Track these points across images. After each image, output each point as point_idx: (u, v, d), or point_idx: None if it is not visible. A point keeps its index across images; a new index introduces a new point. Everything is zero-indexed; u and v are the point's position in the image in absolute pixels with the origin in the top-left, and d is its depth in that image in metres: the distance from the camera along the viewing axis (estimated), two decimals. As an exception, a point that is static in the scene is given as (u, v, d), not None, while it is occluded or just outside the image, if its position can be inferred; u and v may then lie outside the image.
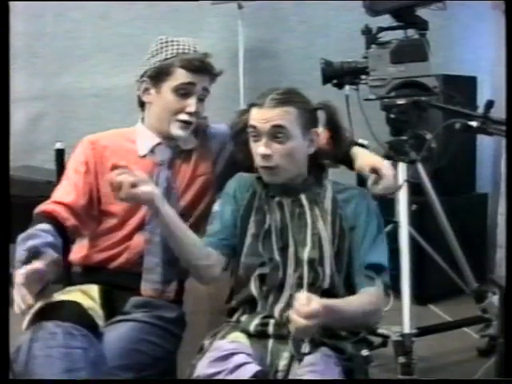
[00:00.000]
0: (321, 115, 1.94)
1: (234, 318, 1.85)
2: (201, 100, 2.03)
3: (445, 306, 3.57)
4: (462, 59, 4.31)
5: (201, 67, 2.00)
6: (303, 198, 1.87)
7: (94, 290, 1.87)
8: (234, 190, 1.94)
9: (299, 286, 1.78)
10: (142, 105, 2.10)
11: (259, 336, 1.75)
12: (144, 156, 2.05)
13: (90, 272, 1.96)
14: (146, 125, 2.09)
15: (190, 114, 2.00)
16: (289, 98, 1.83)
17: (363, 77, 2.77)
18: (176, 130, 2.01)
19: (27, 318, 1.67)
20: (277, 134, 1.80)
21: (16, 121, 4.36)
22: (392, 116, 2.78)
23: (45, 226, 1.81)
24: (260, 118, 1.81)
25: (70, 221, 1.90)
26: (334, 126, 1.93)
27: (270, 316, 1.77)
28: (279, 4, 4.33)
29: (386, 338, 2.56)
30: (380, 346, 2.54)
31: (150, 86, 2.04)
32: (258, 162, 1.84)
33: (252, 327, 1.76)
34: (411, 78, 2.73)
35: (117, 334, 1.80)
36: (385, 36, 2.81)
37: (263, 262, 1.82)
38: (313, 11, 4.36)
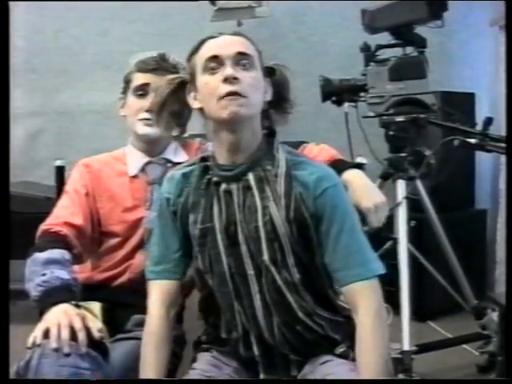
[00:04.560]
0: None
1: (210, 325, 1.73)
2: None
3: (444, 322, 3.57)
4: (460, 76, 4.32)
5: (154, 66, 2.03)
6: (251, 177, 1.56)
7: (95, 307, 1.85)
8: (166, 193, 1.67)
9: (271, 287, 1.56)
10: None
11: (248, 363, 1.67)
12: (135, 176, 2.07)
13: (92, 290, 1.95)
14: (133, 144, 2.12)
15: (148, 111, 1.99)
16: (245, 35, 1.64)
17: (362, 94, 2.79)
18: (140, 129, 2.03)
19: (34, 332, 1.66)
20: (242, 60, 1.55)
21: (15, 137, 4.37)
22: (391, 133, 2.79)
23: (64, 252, 1.83)
24: (222, 43, 1.57)
25: (77, 249, 1.91)
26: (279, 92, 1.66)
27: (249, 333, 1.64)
28: (278, 21, 4.36)
29: (385, 355, 2.55)
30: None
31: (124, 101, 2.11)
32: (221, 90, 1.51)
33: (242, 356, 1.67)
34: (410, 96, 2.74)
35: (119, 352, 1.79)
36: (383, 53, 2.83)
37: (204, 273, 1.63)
38: (311, 28, 4.38)
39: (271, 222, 1.54)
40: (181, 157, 2.11)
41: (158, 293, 1.68)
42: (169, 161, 2.09)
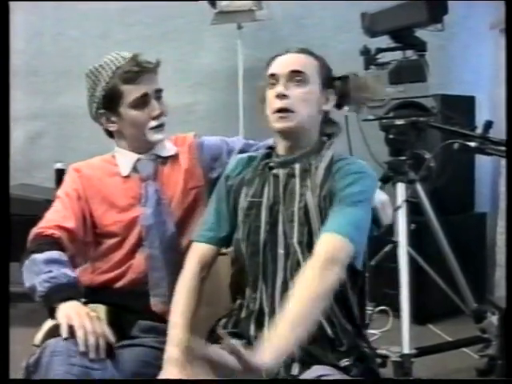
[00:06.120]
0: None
1: (237, 304, 1.82)
2: (159, 98, 2.02)
3: (444, 325, 3.57)
4: (460, 79, 4.33)
5: (141, 71, 1.97)
6: (297, 168, 1.76)
7: (101, 310, 1.86)
8: (228, 171, 1.91)
9: (294, 267, 1.67)
10: (110, 134, 2.10)
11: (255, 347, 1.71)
12: (128, 176, 2.05)
13: (96, 292, 1.95)
14: (121, 146, 2.09)
15: (157, 117, 2.00)
16: (310, 51, 1.84)
17: (362, 97, 2.78)
18: (153, 137, 2.01)
19: (43, 330, 1.67)
20: (295, 77, 1.75)
21: (15, 139, 4.38)
22: (391, 136, 2.79)
23: (62, 254, 1.83)
24: (279, 63, 1.79)
25: (70, 252, 1.90)
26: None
27: (263, 315, 1.71)
28: (278, 24, 4.36)
29: (385, 358, 2.55)
30: (379, 366, 2.52)
31: (109, 115, 2.02)
32: (273, 105, 1.76)
33: (251, 337, 1.72)
34: (410, 99, 2.74)
35: (126, 359, 1.79)
36: (383, 57, 2.83)
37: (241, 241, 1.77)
38: (311, 32, 4.39)
39: (305, 208, 1.70)
40: (170, 150, 2.10)
41: (199, 253, 1.85)
42: (159, 156, 2.08)
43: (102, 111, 2.02)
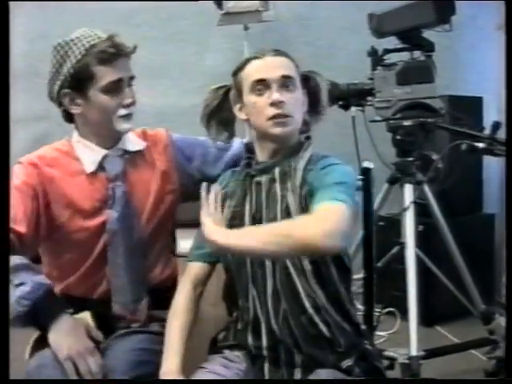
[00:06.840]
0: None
1: (234, 317, 1.81)
2: (130, 86, 1.87)
3: (452, 327, 3.56)
4: (467, 80, 4.32)
5: (117, 53, 1.81)
6: (277, 171, 1.72)
7: (88, 316, 1.79)
8: (217, 185, 1.83)
9: (282, 272, 1.66)
10: (69, 118, 1.92)
11: (256, 356, 1.72)
12: (93, 173, 1.87)
13: (77, 301, 1.85)
14: (84, 136, 1.89)
15: (128, 106, 1.84)
16: (285, 52, 1.79)
17: (369, 98, 2.78)
18: (121, 126, 1.84)
19: (30, 344, 1.68)
20: (286, 83, 1.71)
21: (20, 141, 4.36)
22: (398, 137, 2.78)
23: (22, 257, 1.68)
24: (268, 66, 1.72)
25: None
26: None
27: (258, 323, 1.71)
28: (285, 26, 4.36)
29: (392, 360, 2.54)
30: (387, 368, 2.51)
31: (75, 96, 1.83)
32: (269, 112, 1.69)
33: (249, 347, 1.73)
34: (417, 100, 2.74)
35: (122, 347, 1.77)
36: (391, 58, 2.83)
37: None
38: (318, 33, 4.38)
39: (287, 210, 1.67)
40: (138, 145, 1.96)
41: (191, 272, 1.82)
42: (126, 151, 1.92)
43: (66, 91, 1.83)
